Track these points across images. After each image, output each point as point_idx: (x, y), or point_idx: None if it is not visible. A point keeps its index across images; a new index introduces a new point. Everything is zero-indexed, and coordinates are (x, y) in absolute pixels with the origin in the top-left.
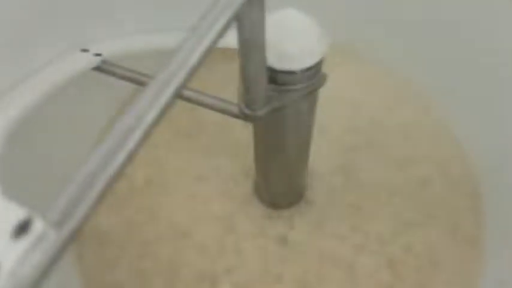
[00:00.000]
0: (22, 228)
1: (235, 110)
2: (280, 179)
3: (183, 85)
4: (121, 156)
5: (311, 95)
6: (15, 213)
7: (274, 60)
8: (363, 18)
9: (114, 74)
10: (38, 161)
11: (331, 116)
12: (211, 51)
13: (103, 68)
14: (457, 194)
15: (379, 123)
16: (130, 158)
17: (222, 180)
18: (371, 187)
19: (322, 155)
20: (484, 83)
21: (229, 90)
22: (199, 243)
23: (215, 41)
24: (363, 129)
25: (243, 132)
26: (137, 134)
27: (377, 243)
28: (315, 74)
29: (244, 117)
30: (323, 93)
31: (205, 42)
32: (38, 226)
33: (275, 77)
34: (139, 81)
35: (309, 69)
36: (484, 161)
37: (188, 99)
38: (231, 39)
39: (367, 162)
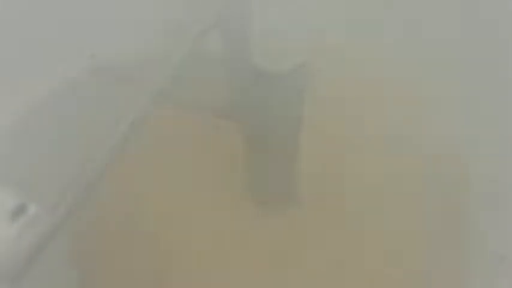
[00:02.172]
0: (18, 212)
1: (222, 110)
2: (268, 178)
3: (165, 86)
4: (108, 149)
5: (296, 94)
6: (12, 199)
7: (259, 60)
8: (359, 20)
9: (110, 76)
10: (38, 156)
11: (327, 118)
12: (193, 53)
13: (100, 70)
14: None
15: (375, 127)
16: (118, 151)
17: (215, 181)
18: (364, 191)
19: (316, 157)
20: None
21: (217, 95)
22: (195, 238)
23: (196, 44)
24: (359, 132)
25: (233, 133)
26: (120, 132)
27: (362, 246)
28: (299, 75)
29: (231, 117)
30: (320, 95)
31: (186, 45)
32: (32, 210)
33: (260, 77)
34: (134, 83)
35: (293, 69)
36: (480, 169)
37: (174, 102)
38: (215, 43)
39: (362, 166)
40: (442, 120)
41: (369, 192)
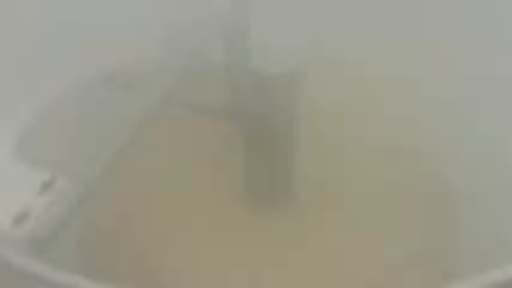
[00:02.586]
0: (47, 186)
1: (221, 113)
2: (267, 179)
3: (168, 91)
4: (122, 138)
5: (294, 97)
6: (42, 175)
7: (257, 64)
8: (359, 24)
9: (116, 81)
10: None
11: (327, 120)
12: (195, 59)
13: (106, 76)
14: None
15: (375, 127)
16: (131, 140)
17: (215, 182)
18: (364, 191)
19: (313, 159)
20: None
21: (216, 97)
22: (194, 238)
23: (199, 51)
24: (358, 132)
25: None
26: (131, 124)
27: (362, 246)
28: (297, 78)
29: (230, 119)
30: (320, 98)
31: (190, 51)
32: (60, 185)
33: (259, 80)
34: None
35: (291, 73)
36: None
37: (178, 103)
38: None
39: (362, 167)
40: (441, 123)
41: (369, 192)
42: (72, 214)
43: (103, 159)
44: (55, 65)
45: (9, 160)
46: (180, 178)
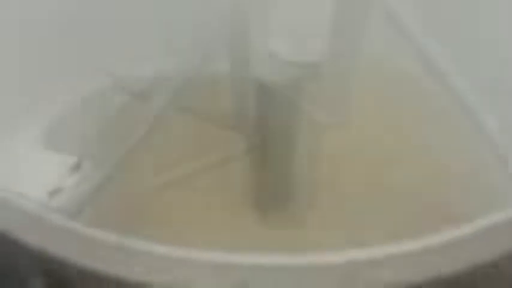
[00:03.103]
0: (75, 168)
1: (225, 120)
2: (268, 182)
3: (172, 95)
4: (136, 135)
5: (296, 105)
6: (70, 159)
7: (260, 70)
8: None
9: (126, 91)
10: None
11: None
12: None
13: (116, 85)
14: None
15: (375, 128)
16: (144, 139)
17: (216, 185)
18: (359, 193)
19: (313, 159)
20: None
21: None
22: (195, 240)
23: (205, 62)
24: (354, 141)
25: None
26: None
27: (362, 246)
28: (299, 87)
29: (234, 126)
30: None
31: (196, 63)
32: (86, 167)
33: (262, 89)
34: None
35: (292, 81)
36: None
37: (179, 109)
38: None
39: (356, 173)
40: (444, 132)
41: (369, 192)
42: (97, 192)
43: (108, 164)
44: (54, 65)
45: (39, 146)
46: (180, 182)
